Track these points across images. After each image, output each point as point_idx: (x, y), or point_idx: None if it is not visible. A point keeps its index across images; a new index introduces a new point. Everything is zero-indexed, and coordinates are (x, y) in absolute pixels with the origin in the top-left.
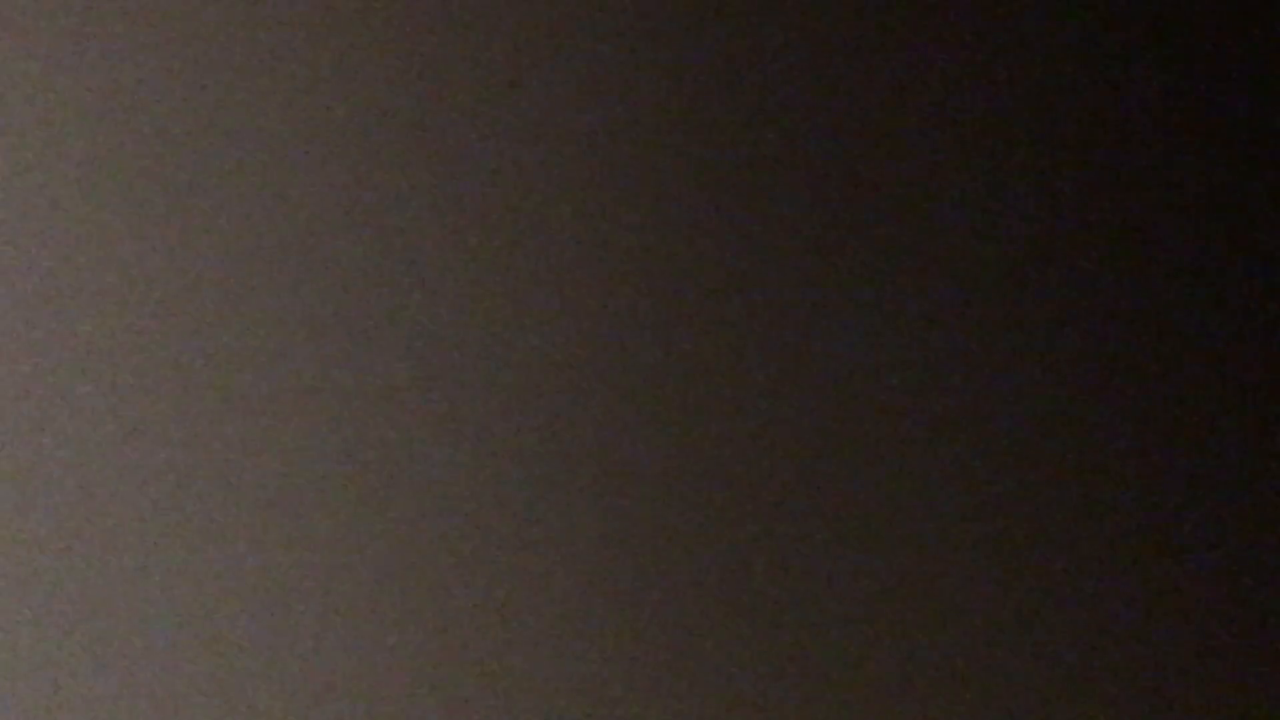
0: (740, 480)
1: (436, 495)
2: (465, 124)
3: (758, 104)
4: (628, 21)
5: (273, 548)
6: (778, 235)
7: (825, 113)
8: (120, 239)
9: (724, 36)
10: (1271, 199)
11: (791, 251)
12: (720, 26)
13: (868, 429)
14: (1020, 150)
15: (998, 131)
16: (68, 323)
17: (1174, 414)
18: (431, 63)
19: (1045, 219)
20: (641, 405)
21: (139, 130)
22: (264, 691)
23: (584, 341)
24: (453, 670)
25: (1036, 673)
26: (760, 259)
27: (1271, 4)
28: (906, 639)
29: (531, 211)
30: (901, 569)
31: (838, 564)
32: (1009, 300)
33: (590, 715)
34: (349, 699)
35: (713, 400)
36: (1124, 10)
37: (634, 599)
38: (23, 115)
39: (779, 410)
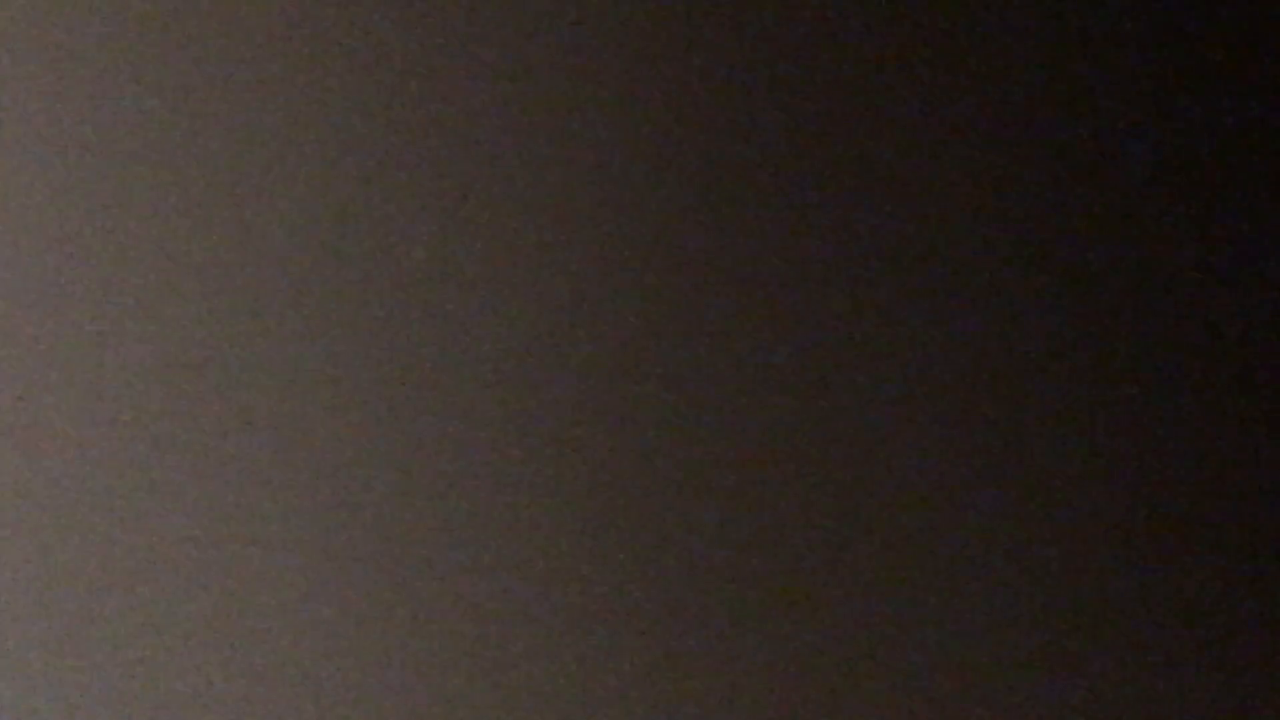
0: (740, 480)
1: (436, 495)
2: (465, 124)
3: (757, 104)
4: (628, 21)
5: (271, 548)
6: (777, 235)
7: (825, 113)
8: (120, 239)
9: (723, 36)
10: (1272, 199)
11: (791, 251)
12: (720, 26)
13: (867, 429)
14: (1019, 151)
15: (997, 132)
16: (68, 323)
17: (1173, 415)
18: (432, 62)
19: (1044, 220)
20: (641, 405)
21: (139, 130)
22: (262, 692)
23: (584, 341)
24: (452, 670)
25: (1036, 672)
26: (760, 259)
27: (1272, 4)
28: (906, 639)
29: (531, 211)
30: (902, 569)
31: (838, 564)
32: (1008, 301)
33: (590, 715)
34: (348, 699)
35: (712, 400)
36: (1124, 10)
37: (634, 599)
38: (23, 115)
39: (778, 410)
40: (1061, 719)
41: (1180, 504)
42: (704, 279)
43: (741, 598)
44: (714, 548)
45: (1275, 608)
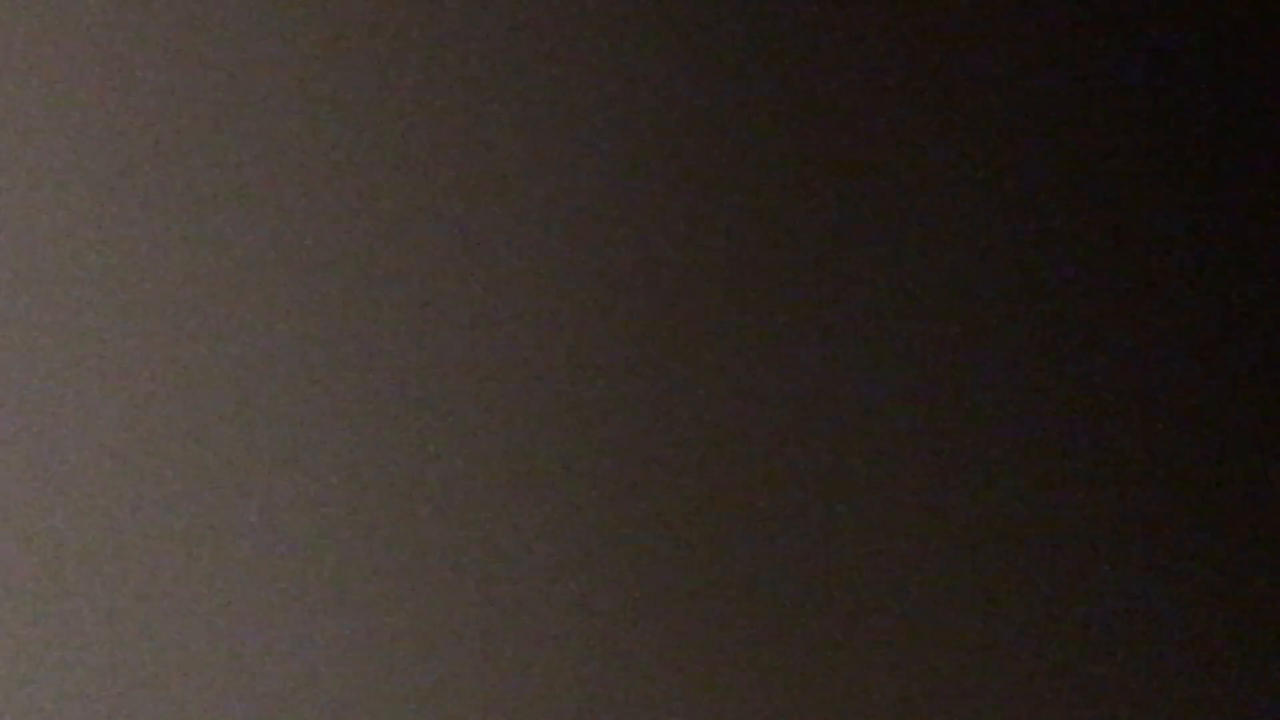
0: (739, 481)
1: (436, 496)
2: (465, 123)
3: (756, 104)
4: (627, 21)
5: (271, 549)
6: (777, 236)
7: (825, 113)
8: (120, 239)
9: (723, 36)
10: (1272, 199)
11: (791, 252)
12: (719, 26)
13: (867, 429)
14: (1019, 151)
15: (997, 132)
16: (69, 323)
17: (1173, 415)
18: (432, 62)
19: (1044, 220)
20: (640, 406)
21: (139, 130)
22: (260, 692)
23: (583, 342)
24: (452, 670)
25: (1036, 672)
26: (760, 260)
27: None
28: (906, 639)
29: (531, 211)
30: (901, 569)
31: (837, 565)
32: (1008, 302)
33: (590, 715)
34: (347, 699)
35: (712, 401)
36: (1125, 10)
37: (632, 600)
38: (24, 115)
39: (779, 411)
40: (1061, 718)
41: (1179, 504)
42: (703, 279)
43: (740, 598)
44: (713, 548)
45: (1276, 608)
